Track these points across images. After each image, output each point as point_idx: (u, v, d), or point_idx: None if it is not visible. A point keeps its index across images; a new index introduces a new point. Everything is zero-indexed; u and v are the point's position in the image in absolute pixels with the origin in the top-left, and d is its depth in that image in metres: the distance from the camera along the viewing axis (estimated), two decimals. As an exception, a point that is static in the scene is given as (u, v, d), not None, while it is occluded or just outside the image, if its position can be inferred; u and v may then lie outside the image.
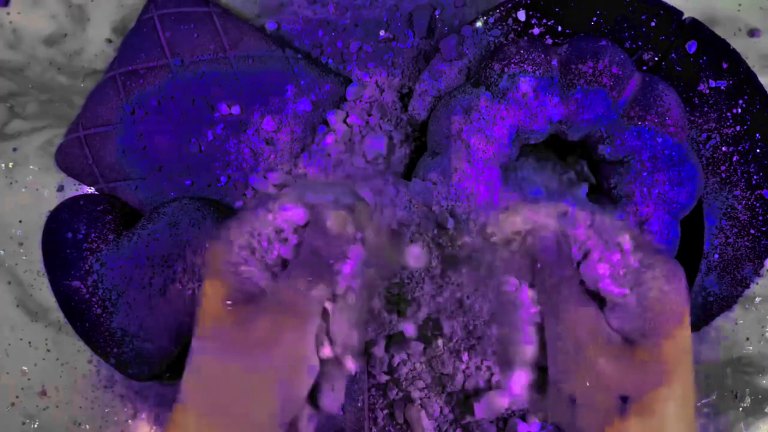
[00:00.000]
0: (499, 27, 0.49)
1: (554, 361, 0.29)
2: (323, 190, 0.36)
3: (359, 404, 0.38)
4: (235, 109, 0.50)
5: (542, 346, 0.32)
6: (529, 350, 0.31)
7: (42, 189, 0.53)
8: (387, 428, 0.49)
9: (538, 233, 0.32)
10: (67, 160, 0.51)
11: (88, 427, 0.52)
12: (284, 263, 0.34)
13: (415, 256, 0.46)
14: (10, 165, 0.53)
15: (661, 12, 0.49)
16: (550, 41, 0.49)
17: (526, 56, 0.46)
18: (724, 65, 0.49)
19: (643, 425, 0.27)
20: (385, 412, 0.50)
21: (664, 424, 0.27)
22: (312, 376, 0.32)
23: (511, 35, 0.49)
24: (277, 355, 0.31)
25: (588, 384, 0.27)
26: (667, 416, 0.27)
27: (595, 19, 0.49)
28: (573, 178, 0.52)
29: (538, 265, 0.32)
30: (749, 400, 0.52)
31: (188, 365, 0.32)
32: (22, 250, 0.53)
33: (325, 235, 0.33)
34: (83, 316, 0.49)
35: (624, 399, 0.27)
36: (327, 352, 0.33)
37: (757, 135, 0.49)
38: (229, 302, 0.32)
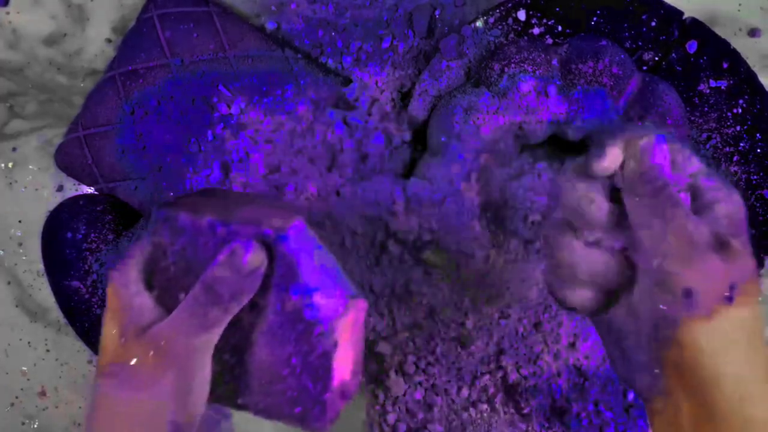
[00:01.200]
0: (499, 27, 0.49)
1: (664, 256, 0.30)
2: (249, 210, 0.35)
3: None
4: (235, 109, 0.50)
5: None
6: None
7: (42, 189, 0.53)
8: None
9: (640, 142, 0.32)
10: (66, 160, 0.51)
11: (87, 427, 0.52)
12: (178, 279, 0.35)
13: None
14: (10, 165, 0.53)
15: (661, 12, 0.49)
16: (550, 41, 0.49)
17: (526, 56, 0.46)
18: (725, 65, 0.49)
19: (747, 313, 0.30)
20: None
21: (757, 316, 0.31)
22: (196, 416, 0.34)
23: (511, 35, 0.49)
24: (163, 391, 0.32)
25: (703, 276, 0.30)
26: (756, 309, 0.31)
27: (595, 19, 0.49)
28: None
29: (641, 174, 0.31)
30: (750, 400, 0.52)
31: (89, 403, 0.34)
32: (21, 250, 0.53)
33: (235, 270, 0.33)
34: (83, 316, 0.49)
35: (732, 288, 0.30)
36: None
37: (757, 135, 0.49)
38: (122, 339, 0.33)
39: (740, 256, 0.31)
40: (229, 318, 0.33)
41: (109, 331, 0.33)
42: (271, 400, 0.35)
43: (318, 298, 0.34)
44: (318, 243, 0.36)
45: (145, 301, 0.34)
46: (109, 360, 0.33)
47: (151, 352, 0.32)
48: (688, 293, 0.30)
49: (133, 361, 0.32)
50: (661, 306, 0.30)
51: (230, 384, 0.36)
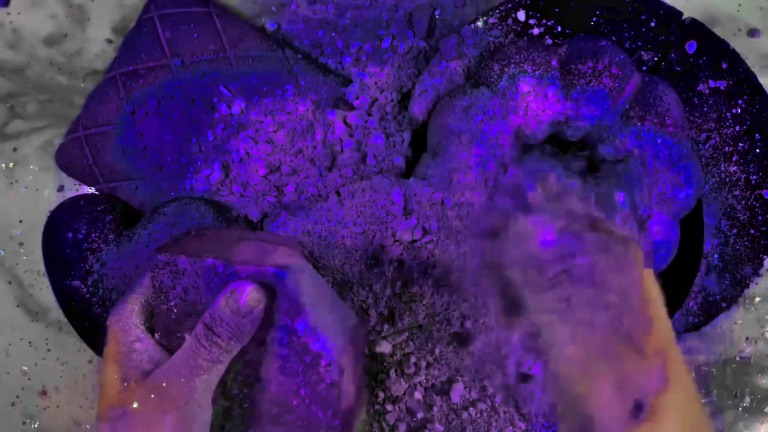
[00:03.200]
0: (499, 27, 0.49)
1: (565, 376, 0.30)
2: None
3: None
4: (235, 109, 0.50)
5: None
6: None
7: (42, 189, 0.53)
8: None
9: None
10: (67, 160, 0.51)
11: (88, 426, 0.52)
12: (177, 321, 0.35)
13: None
14: (11, 165, 0.53)
15: (661, 12, 0.49)
16: (550, 41, 0.49)
17: (525, 56, 0.46)
18: (724, 65, 0.49)
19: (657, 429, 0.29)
20: None
21: (675, 429, 0.29)
22: None
23: (511, 35, 0.49)
24: None
25: (606, 393, 0.29)
26: (675, 420, 0.29)
27: (595, 19, 0.49)
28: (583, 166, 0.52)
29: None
30: (749, 399, 0.52)
31: None
32: (22, 250, 0.53)
33: (234, 311, 0.33)
34: (84, 316, 0.49)
35: (639, 406, 0.28)
36: None
37: (757, 135, 0.49)
38: (124, 383, 0.33)
39: (645, 359, 0.29)
40: (230, 358, 0.34)
41: (110, 375, 0.34)
42: (282, 429, 0.36)
43: (322, 330, 0.35)
44: (316, 274, 0.37)
45: (146, 345, 0.34)
46: (109, 404, 0.34)
47: (152, 395, 0.33)
48: (589, 420, 0.29)
49: (135, 405, 0.33)
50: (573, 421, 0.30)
51: (240, 417, 0.36)
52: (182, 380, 0.33)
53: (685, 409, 0.29)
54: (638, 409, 0.28)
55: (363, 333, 0.37)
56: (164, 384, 0.33)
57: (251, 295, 0.33)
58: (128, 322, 0.35)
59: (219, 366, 0.34)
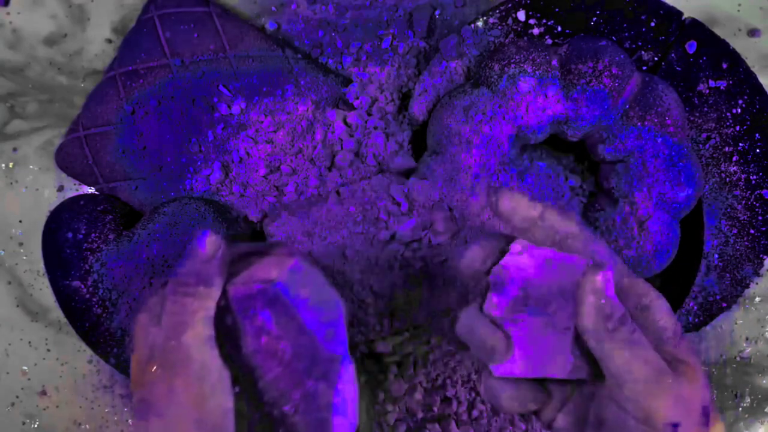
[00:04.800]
0: (499, 27, 0.49)
1: (641, 393, 0.30)
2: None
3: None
4: (235, 109, 0.50)
5: None
6: None
7: (42, 189, 0.53)
8: None
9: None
10: (67, 160, 0.51)
11: (88, 427, 0.52)
12: None
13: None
14: (11, 165, 0.53)
15: (661, 12, 0.49)
16: (550, 41, 0.49)
17: (525, 56, 0.46)
18: (724, 65, 0.49)
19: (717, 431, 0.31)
20: None
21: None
22: (225, 405, 0.33)
23: (511, 35, 0.49)
24: (181, 403, 0.32)
25: (682, 405, 0.30)
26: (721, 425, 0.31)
27: (595, 19, 0.49)
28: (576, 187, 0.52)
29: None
30: (749, 399, 0.52)
31: None
32: (22, 250, 0.53)
33: (198, 259, 0.34)
34: (83, 316, 0.49)
35: (704, 409, 0.30)
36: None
37: (757, 135, 0.49)
38: (139, 368, 0.33)
39: (699, 371, 0.30)
40: (206, 306, 0.34)
41: (132, 367, 0.34)
42: None
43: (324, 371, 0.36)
44: (318, 278, 0.37)
45: (157, 330, 0.34)
46: (134, 388, 0.34)
47: (157, 369, 0.33)
48: (674, 427, 0.29)
49: (146, 387, 0.33)
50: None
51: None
52: (173, 343, 0.33)
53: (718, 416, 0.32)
54: (705, 415, 0.30)
55: (353, 369, 0.39)
56: (162, 354, 0.33)
57: (210, 240, 0.34)
58: (150, 313, 0.35)
59: (198, 315, 0.33)
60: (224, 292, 0.35)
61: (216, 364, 0.33)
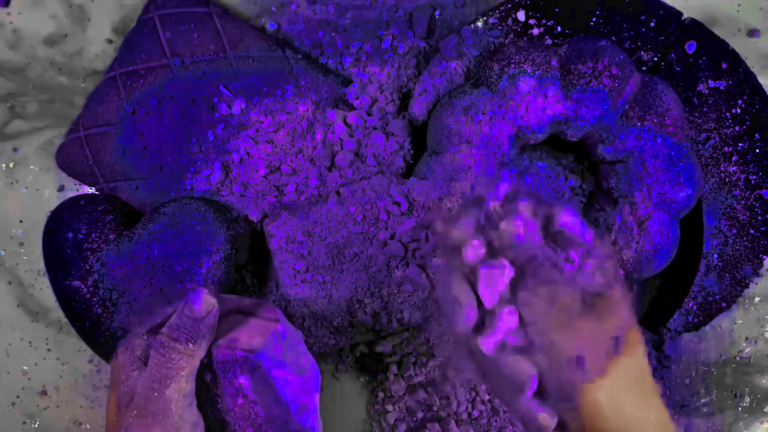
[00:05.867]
0: (499, 27, 0.49)
1: (547, 329, 0.32)
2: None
3: None
4: (236, 109, 0.51)
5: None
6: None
7: (42, 189, 0.53)
8: None
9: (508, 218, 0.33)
10: (67, 160, 0.51)
11: (88, 426, 0.52)
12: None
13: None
14: (11, 165, 0.53)
15: (661, 12, 0.49)
16: (550, 41, 0.49)
17: (525, 56, 0.46)
18: (724, 65, 0.49)
19: (633, 360, 0.32)
20: None
21: (641, 360, 0.33)
22: None
23: (511, 35, 0.49)
24: None
25: (587, 339, 0.31)
26: (641, 354, 0.33)
27: (594, 19, 0.49)
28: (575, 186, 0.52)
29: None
30: (749, 399, 0.52)
31: None
32: (22, 250, 0.53)
33: (191, 316, 0.36)
34: (84, 316, 0.49)
35: (616, 340, 0.31)
36: None
37: (756, 135, 0.49)
38: (117, 410, 0.35)
39: (614, 307, 0.32)
40: (193, 364, 0.36)
41: (109, 404, 0.36)
42: None
43: (297, 415, 0.38)
44: (299, 346, 0.40)
45: (139, 374, 0.36)
46: (109, 430, 0.36)
47: (137, 415, 0.34)
48: (579, 360, 0.31)
49: (125, 428, 0.35)
50: (557, 374, 0.32)
51: None
52: (155, 394, 0.35)
53: (642, 346, 0.33)
54: (616, 343, 0.31)
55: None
56: (143, 402, 0.35)
57: (205, 299, 0.36)
58: (132, 355, 0.36)
59: (184, 372, 0.35)
60: (208, 350, 0.37)
61: (192, 419, 0.36)
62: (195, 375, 0.36)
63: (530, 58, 0.46)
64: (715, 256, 0.49)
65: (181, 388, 0.35)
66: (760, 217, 0.49)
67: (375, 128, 0.51)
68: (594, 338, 0.31)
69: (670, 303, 0.50)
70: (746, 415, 0.52)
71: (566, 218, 0.33)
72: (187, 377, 0.36)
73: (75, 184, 0.53)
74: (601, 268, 0.32)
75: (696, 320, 0.50)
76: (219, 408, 0.38)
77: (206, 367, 0.38)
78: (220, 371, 0.38)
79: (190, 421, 0.36)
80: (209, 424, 0.38)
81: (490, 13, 0.49)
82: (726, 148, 0.49)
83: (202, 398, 0.38)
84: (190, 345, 0.35)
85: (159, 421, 0.34)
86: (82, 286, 0.48)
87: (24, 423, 0.52)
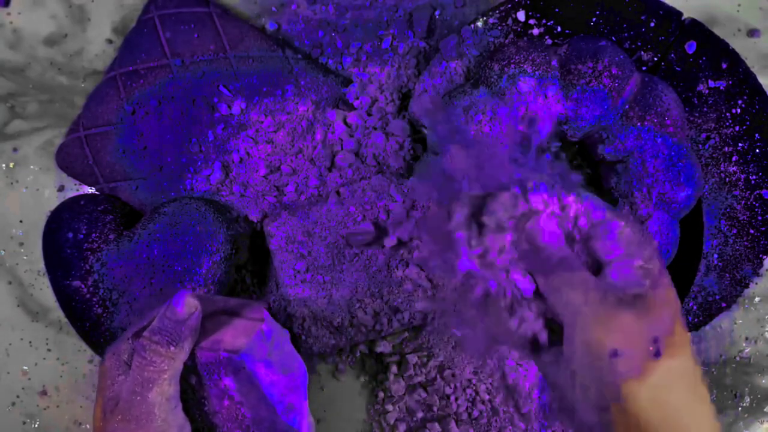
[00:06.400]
0: (499, 27, 0.49)
1: (582, 324, 0.31)
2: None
3: None
4: (236, 109, 0.51)
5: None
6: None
7: (42, 189, 0.53)
8: None
9: (535, 218, 0.33)
10: (67, 160, 0.51)
11: (88, 426, 0.52)
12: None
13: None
14: (11, 165, 0.53)
15: (661, 12, 0.49)
16: (550, 41, 0.49)
17: (525, 56, 0.46)
18: (724, 65, 0.49)
19: (678, 362, 0.31)
20: None
21: (689, 362, 0.31)
22: None
23: (511, 35, 0.49)
24: None
25: (624, 336, 0.30)
26: (688, 356, 0.31)
27: (594, 19, 0.49)
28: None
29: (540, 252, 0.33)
30: (749, 399, 0.52)
31: None
32: (22, 250, 0.53)
33: (173, 319, 0.36)
34: (84, 316, 0.49)
35: (656, 341, 0.30)
36: None
37: (756, 135, 0.49)
38: (104, 414, 0.35)
39: (657, 308, 0.31)
40: (175, 367, 0.36)
41: (96, 409, 0.36)
42: None
43: (284, 415, 0.38)
44: (285, 345, 0.39)
45: (124, 378, 0.36)
46: None
47: (121, 420, 0.35)
48: (614, 354, 0.30)
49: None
50: (596, 371, 0.31)
51: None
52: (138, 398, 0.35)
53: (690, 351, 0.32)
54: (657, 345, 0.30)
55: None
56: (127, 407, 0.35)
57: (187, 302, 0.36)
58: (118, 359, 0.36)
59: (166, 375, 0.35)
60: (192, 353, 0.37)
61: (178, 422, 0.36)
62: (178, 378, 0.36)
63: (530, 58, 0.46)
64: (715, 256, 0.49)
65: (163, 391, 0.35)
66: (760, 217, 0.49)
67: (375, 128, 0.51)
68: (632, 337, 0.30)
69: (670, 303, 0.50)
70: (746, 415, 0.52)
71: (601, 216, 0.32)
72: (170, 380, 0.35)
73: (75, 184, 0.53)
74: (644, 269, 0.31)
75: (696, 320, 0.50)
76: (206, 410, 0.38)
77: (191, 369, 0.38)
78: (205, 373, 0.38)
79: (175, 425, 0.36)
80: (197, 427, 0.38)
81: (490, 13, 0.49)
82: (726, 148, 0.49)
83: (189, 401, 0.38)
84: (172, 348, 0.35)
85: (143, 425, 0.34)
86: (82, 286, 0.48)
87: (24, 423, 0.52)
